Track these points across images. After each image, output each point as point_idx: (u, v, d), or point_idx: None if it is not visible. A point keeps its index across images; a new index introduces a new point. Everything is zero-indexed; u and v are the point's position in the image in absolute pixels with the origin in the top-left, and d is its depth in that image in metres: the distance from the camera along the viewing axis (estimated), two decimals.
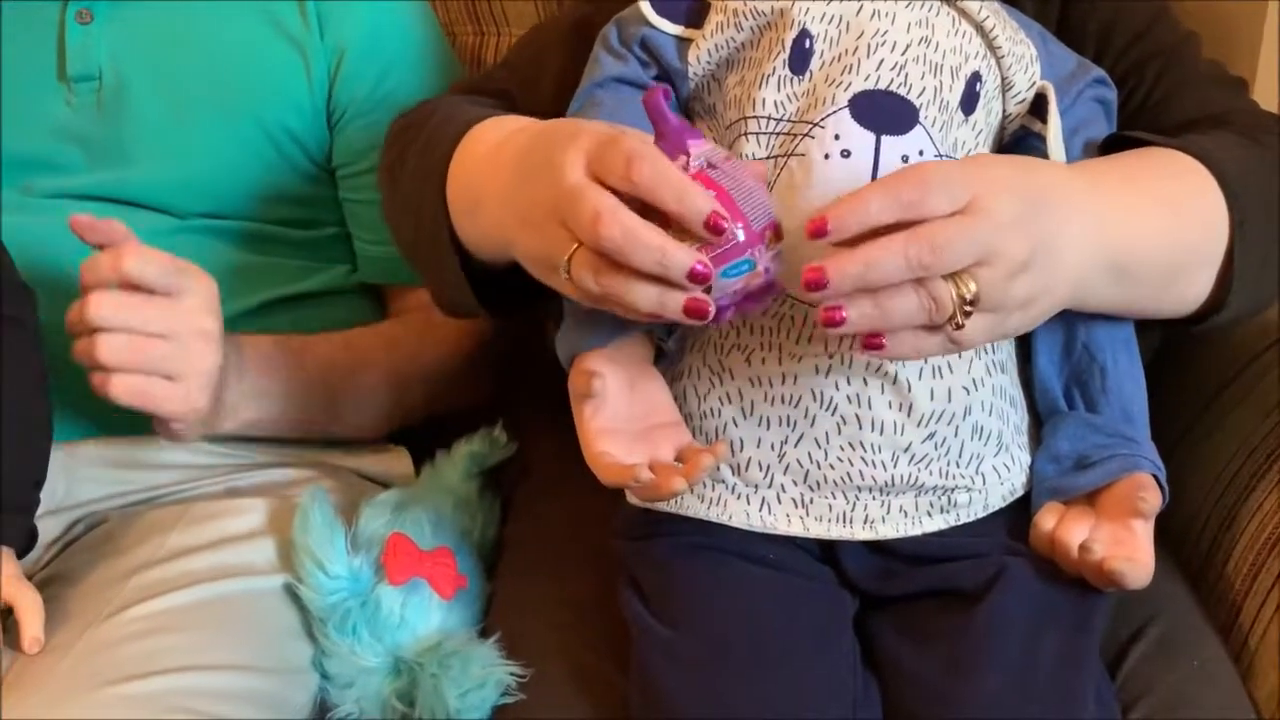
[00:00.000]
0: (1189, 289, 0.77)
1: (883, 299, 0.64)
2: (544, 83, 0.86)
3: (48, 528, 0.91)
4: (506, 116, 0.78)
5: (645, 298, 0.64)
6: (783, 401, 0.73)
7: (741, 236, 0.64)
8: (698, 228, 0.63)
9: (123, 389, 0.84)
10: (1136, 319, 0.79)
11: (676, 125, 0.66)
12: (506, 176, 0.71)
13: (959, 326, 0.64)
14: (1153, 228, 0.74)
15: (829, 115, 0.71)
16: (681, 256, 0.62)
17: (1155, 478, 0.74)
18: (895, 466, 0.74)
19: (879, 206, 0.63)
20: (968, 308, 0.64)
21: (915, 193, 0.63)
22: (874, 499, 0.74)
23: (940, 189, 0.64)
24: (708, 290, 0.64)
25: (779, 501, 0.75)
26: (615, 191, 0.64)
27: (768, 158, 0.72)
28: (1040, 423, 0.79)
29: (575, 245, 0.65)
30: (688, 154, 0.65)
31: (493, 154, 0.74)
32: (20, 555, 0.83)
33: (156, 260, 0.85)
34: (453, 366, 1.03)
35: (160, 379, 0.85)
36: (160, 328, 0.84)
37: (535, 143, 0.70)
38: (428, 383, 1.02)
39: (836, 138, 0.70)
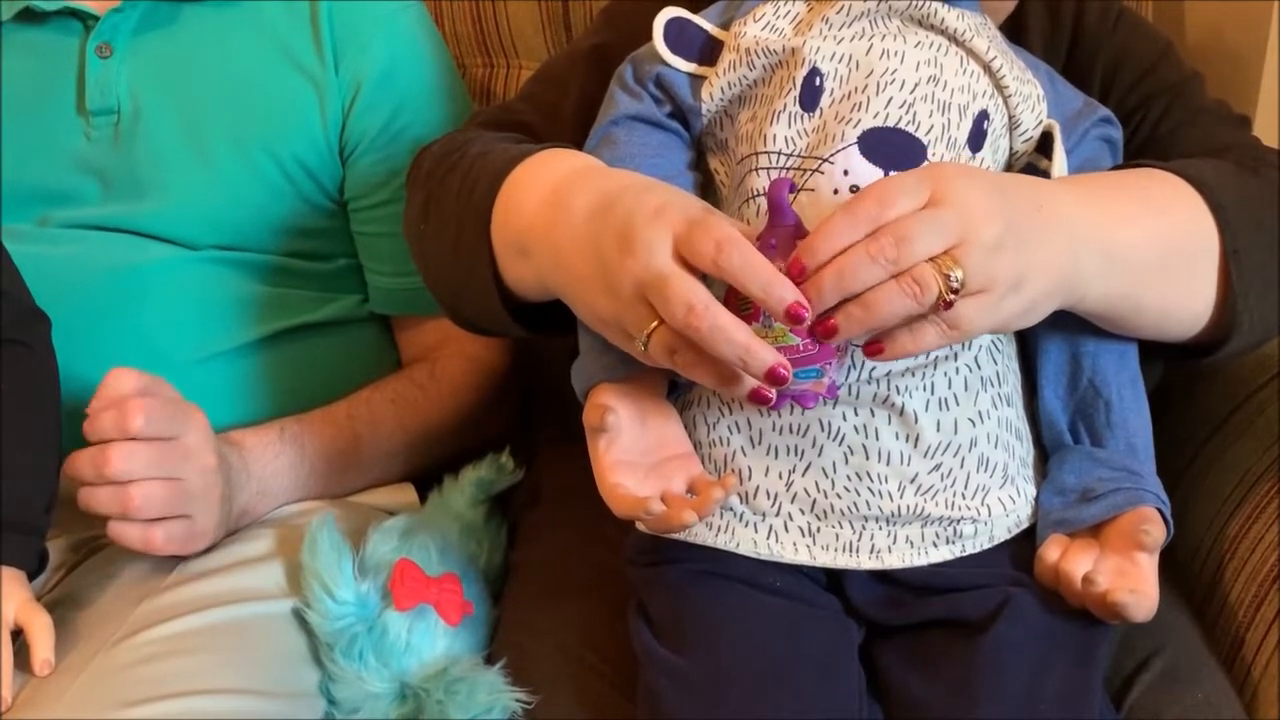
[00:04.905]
0: (1190, 291, 0.77)
1: (866, 298, 0.65)
2: (564, 113, 0.87)
3: (55, 550, 0.91)
4: (544, 153, 0.79)
5: (717, 379, 0.67)
6: (790, 431, 0.74)
7: (818, 347, 0.67)
8: (779, 315, 0.65)
9: (163, 538, 0.85)
10: (1149, 334, 0.79)
11: (793, 222, 0.68)
12: (575, 235, 0.71)
13: (948, 305, 0.65)
14: (1134, 217, 0.75)
15: (838, 151, 0.72)
16: (764, 357, 0.65)
17: (1160, 511, 0.75)
18: (901, 497, 0.74)
19: (842, 227, 0.65)
20: (954, 284, 0.65)
21: (874, 206, 0.65)
22: (880, 529, 0.75)
23: (897, 195, 0.66)
24: None
25: (786, 530, 0.75)
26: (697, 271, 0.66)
27: None
28: (1046, 456, 0.79)
29: (656, 323, 0.67)
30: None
31: (549, 203, 0.74)
32: (31, 578, 0.83)
33: (159, 410, 0.85)
34: (460, 420, 1.04)
35: (181, 521, 0.86)
36: (175, 472, 0.85)
37: (610, 208, 0.70)
38: (440, 437, 1.03)
39: (845, 173, 0.72)
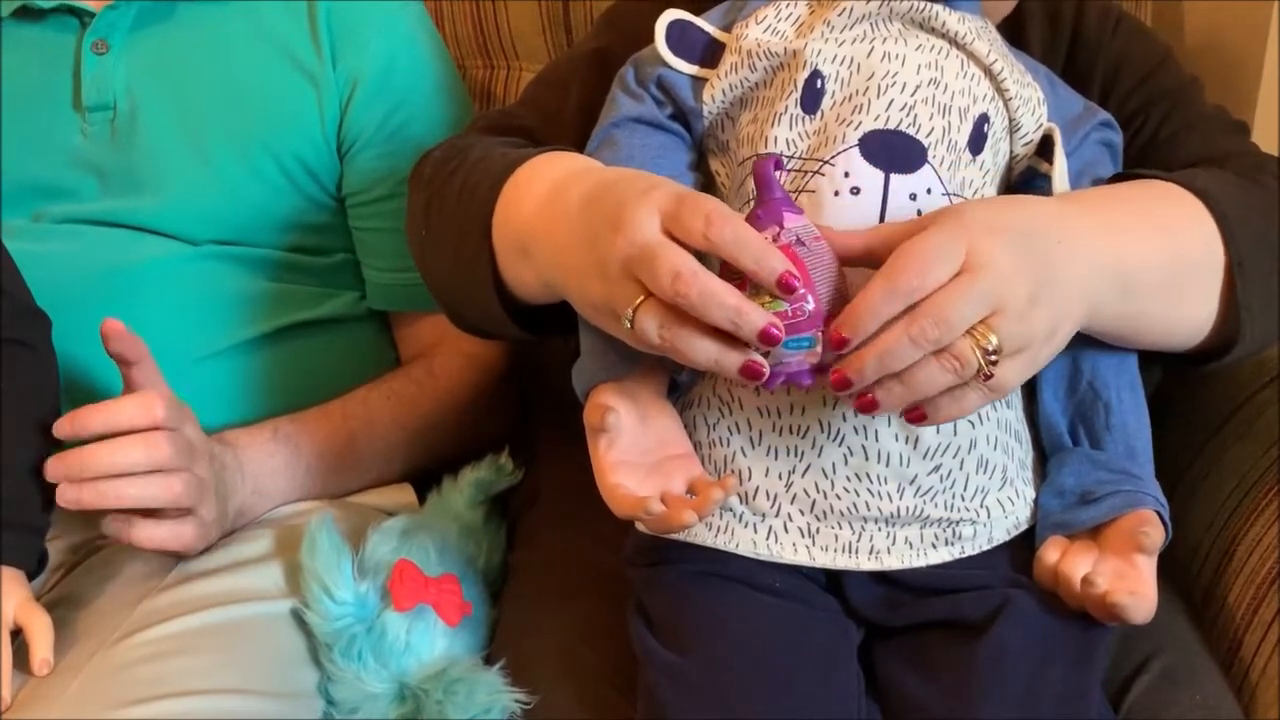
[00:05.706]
0: (1196, 306, 0.78)
1: (906, 376, 0.66)
2: (565, 116, 0.88)
3: (55, 550, 0.91)
4: (544, 156, 0.79)
5: (706, 353, 0.66)
6: (790, 432, 0.74)
7: (810, 311, 0.66)
8: (771, 285, 0.65)
9: (194, 533, 0.85)
10: (1151, 346, 0.79)
11: (779, 197, 0.68)
12: (571, 226, 0.72)
13: (989, 377, 0.66)
14: (1145, 238, 0.75)
15: (839, 153, 0.72)
16: (756, 317, 0.65)
17: (1159, 514, 0.75)
18: (901, 498, 0.74)
19: (883, 301, 0.65)
20: (993, 357, 0.66)
21: (915, 278, 0.65)
22: (880, 530, 0.75)
23: (935, 262, 0.66)
24: (766, 355, 0.66)
25: (785, 531, 0.75)
26: (687, 248, 0.66)
27: None
28: (1045, 458, 0.80)
29: (642, 297, 0.67)
30: (781, 226, 0.67)
31: (548, 200, 0.74)
32: (31, 578, 0.83)
33: (171, 405, 0.85)
34: (459, 418, 1.04)
35: (194, 517, 0.86)
36: (192, 466, 0.85)
37: (602, 195, 0.71)
38: (438, 435, 1.03)
39: (846, 175, 0.72)
